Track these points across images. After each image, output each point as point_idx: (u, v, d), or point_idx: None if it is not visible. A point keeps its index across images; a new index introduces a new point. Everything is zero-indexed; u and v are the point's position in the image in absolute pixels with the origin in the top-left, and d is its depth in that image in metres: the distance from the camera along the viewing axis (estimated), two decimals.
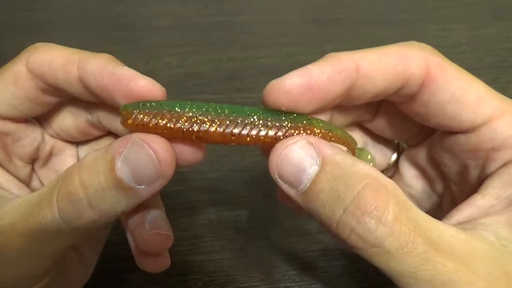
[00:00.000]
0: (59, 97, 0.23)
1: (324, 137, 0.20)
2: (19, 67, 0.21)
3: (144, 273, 0.32)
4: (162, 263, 0.24)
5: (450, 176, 0.22)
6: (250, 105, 0.20)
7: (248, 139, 0.19)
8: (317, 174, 0.18)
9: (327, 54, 0.19)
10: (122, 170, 0.18)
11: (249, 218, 0.36)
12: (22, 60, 0.21)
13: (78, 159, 0.26)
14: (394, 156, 0.25)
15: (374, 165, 0.23)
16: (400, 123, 0.23)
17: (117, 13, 0.62)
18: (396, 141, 0.26)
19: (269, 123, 0.19)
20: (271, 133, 0.19)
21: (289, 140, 0.18)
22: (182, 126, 0.19)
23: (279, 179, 0.18)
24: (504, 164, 0.19)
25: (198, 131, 0.19)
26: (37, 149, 0.24)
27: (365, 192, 0.17)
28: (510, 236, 0.18)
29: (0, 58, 0.24)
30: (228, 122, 0.19)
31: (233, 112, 0.19)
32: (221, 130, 0.19)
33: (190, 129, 0.19)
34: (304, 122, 0.20)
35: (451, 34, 0.57)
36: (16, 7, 0.62)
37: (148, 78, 0.20)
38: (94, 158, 0.18)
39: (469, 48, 0.55)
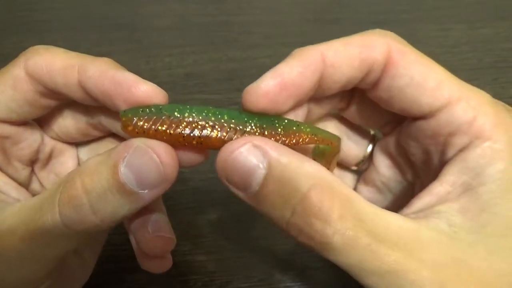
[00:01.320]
0: (59, 100, 0.23)
1: (311, 140, 0.21)
2: (17, 70, 0.21)
3: (144, 274, 0.32)
4: (164, 264, 0.24)
5: (417, 164, 0.23)
6: None
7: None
8: (265, 177, 0.18)
9: (294, 51, 0.20)
10: (125, 175, 0.18)
11: (249, 218, 0.36)
12: (20, 63, 0.21)
13: (78, 161, 0.26)
14: (370, 147, 0.26)
15: (339, 141, 0.23)
16: (372, 111, 0.23)
17: (117, 13, 0.62)
18: (371, 132, 0.26)
19: (265, 131, 0.20)
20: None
21: (235, 143, 0.18)
22: (183, 132, 0.19)
23: (227, 183, 0.19)
24: (460, 150, 0.19)
25: (199, 136, 0.19)
26: (37, 151, 0.24)
27: (310, 194, 0.17)
28: (462, 223, 0.18)
29: (1, 58, 0.24)
30: (228, 129, 0.19)
31: (232, 119, 0.19)
32: (222, 136, 0.19)
33: (191, 134, 0.19)
34: (294, 128, 0.20)
35: (451, 34, 0.57)
36: (16, 7, 0.62)
37: (150, 83, 0.20)
38: (97, 162, 0.18)
39: (469, 48, 0.55)
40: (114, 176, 0.18)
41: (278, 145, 0.19)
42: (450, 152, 0.20)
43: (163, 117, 0.19)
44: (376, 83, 0.21)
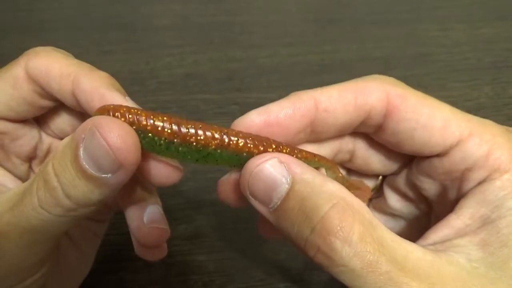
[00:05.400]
0: (56, 101, 0.23)
1: (309, 156, 0.20)
2: (18, 70, 0.21)
3: (144, 274, 0.32)
4: (160, 253, 0.24)
5: (431, 198, 0.23)
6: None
7: (232, 146, 0.19)
8: (287, 193, 0.18)
9: (290, 94, 0.21)
10: (84, 159, 0.17)
11: (249, 218, 0.35)
12: (21, 63, 0.22)
13: None
14: (380, 177, 0.26)
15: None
16: (378, 155, 0.24)
17: (117, 13, 0.62)
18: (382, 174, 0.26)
19: (256, 141, 0.19)
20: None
21: (261, 158, 0.19)
22: (167, 126, 0.18)
23: (250, 196, 0.19)
24: (478, 184, 0.19)
25: (179, 129, 0.18)
26: (35, 148, 0.25)
27: (332, 213, 0.17)
28: (482, 258, 0.18)
29: (0, 58, 0.24)
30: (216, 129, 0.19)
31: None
32: (211, 134, 0.19)
33: (176, 129, 0.18)
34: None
35: (451, 34, 0.57)
36: (16, 7, 0.62)
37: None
38: (64, 144, 0.18)
39: (469, 48, 0.55)
40: (75, 160, 0.17)
41: (302, 163, 0.19)
42: (467, 186, 0.20)
43: (146, 113, 0.18)
44: (380, 128, 0.21)
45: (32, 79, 0.21)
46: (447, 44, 0.55)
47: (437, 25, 0.59)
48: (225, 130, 0.19)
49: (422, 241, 0.20)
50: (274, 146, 0.19)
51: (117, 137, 0.17)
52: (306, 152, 0.21)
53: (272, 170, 0.18)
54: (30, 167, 0.25)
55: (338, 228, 0.17)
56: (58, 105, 0.24)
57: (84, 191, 0.18)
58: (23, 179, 0.24)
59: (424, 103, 0.20)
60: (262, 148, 0.19)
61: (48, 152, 0.26)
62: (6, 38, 0.56)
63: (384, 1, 0.64)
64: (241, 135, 0.19)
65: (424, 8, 0.63)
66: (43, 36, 0.56)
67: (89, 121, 0.17)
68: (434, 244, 0.19)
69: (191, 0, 0.64)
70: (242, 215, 0.36)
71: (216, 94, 0.48)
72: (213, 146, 0.19)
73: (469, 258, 0.18)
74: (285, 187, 0.18)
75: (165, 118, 0.18)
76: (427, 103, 0.20)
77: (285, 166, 0.18)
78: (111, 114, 0.18)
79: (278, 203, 0.18)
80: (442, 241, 0.19)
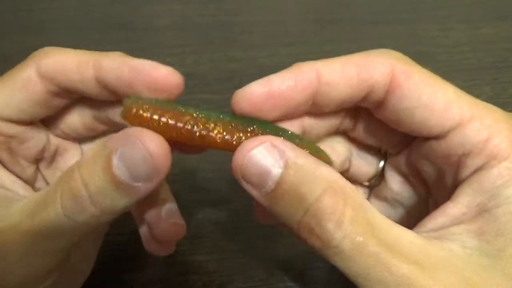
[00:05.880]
0: (69, 99, 0.23)
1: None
2: (29, 72, 0.21)
3: (144, 274, 0.32)
4: (169, 249, 0.25)
5: (430, 182, 0.22)
6: None
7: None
8: (281, 177, 0.18)
9: (293, 65, 0.20)
10: (118, 168, 0.18)
11: (249, 218, 0.35)
12: (31, 65, 0.21)
13: None
14: (381, 163, 0.26)
15: (332, 165, 0.23)
16: (379, 131, 0.23)
17: (117, 13, 0.62)
18: (383, 149, 0.26)
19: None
20: None
21: (253, 142, 0.18)
22: (185, 126, 0.19)
23: (242, 180, 0.19)
24: (475, 171, 0.19)
25: (201, 132, 0.19)
26: (43, 150, 0.24)
27: (324, 196, 0.17)
28: (477, 245, 0.18)
29: (0, 58, 0.24)
30: (230, 127, 0.19)
31: (234, 120, 0.20)
32: (223, 134, 0.19)
33: (193, 129, 0.19)
34: (297, 141, 0.21)
35: (451, 34, 0.57)
36: (16, 7, 0.62)
37: (167, 66, 0.21)
38: (93, 154, 0.19)
39: (469, 48, 0.55)
40: (108, 168, 0.18)
41: (295, 147, 0.19)
42: (464, 173, 0.19)
43: (168, 108, 0.19)
44: (381, 104, 0.21)
45: (46, 78, 0.21)
46: (447, 44, 0.55)
47: (437, 25, 0.59)
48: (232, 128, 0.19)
49: (418, 228, 0.20)
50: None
51: (156, 146, 0.18)
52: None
53: (265, 154, 0.18)
54: (37, 169, 0.25)
55: (330, 211, 0.17)
56: (68, 104, 0.24)
57: (112, 199, 0.18)
58: (30, 181, 0.24)
59: (428, 82, 0.20)
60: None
61: (55, 154, 0.25)
62: (6, 38, 0.56)
63: (384, 1, 0.64)
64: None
65: (424, 8, 0.63)
66: (43, 36, 0.56)
67: (126, 132, 0.18)
68: (429, 232, 0.19)
69: (191, 0, 0.64)
70: (242, 215, 0.36)
71: (216, 94, 0.48)
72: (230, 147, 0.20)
73: (464, 246, 0.18)
74: (278, 171, 0.18)
75: (178, 124, 0.19)
76: (431, 82, 0.20)
77: (277, 150, 0.18)
78: (136, 110, 0.19)
79: (272, 187, 0.18)
80: (438, 229, 0.19)
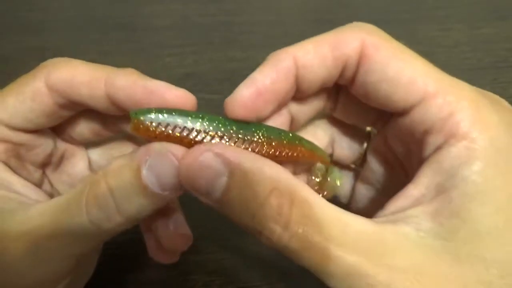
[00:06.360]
0: (77, 110, 0.23)
1: (309, 155, 0.22)
2: (38, 83, 0.21)
3: (144, 274, 0.32)
4: (175, 257, 0.26)
5: (404, 162, 0.22)
6: None
7: None
8: (226, 185, 0.18)
9: (269, 55, 0.20)
10: (147, 177, 0.18)
11: None
12: (40, 76, 0.21)
13: (89, 162, 0.27)
14: (365, 146, 0.25)
15: (328, 162, 0.24)
16: (358, 108, 0.23)
17: (117, 13, 0.62)
18: (367, 131, 0.25)
19: (272, 142, 0.20)
20: (272, 151, 0.20)
21: (196, 151, 0.18)
22: (194, 138, 0.19)
23: (192, 190, 0.19)
24: (436, 150, 0.18)
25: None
26: (50, 155, 0.25)
27: (270, 199, 0.17)
28: (430, 228, 0.17)
29: (0, 58, 0.24)
30: (236, 140, 0.20)
31: (240, 129, 0.20)
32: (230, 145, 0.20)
33: (201, 142, 0.19)
34: (297, 142, 0.21)
35: (451, 34, 0.57)
36: (16, 7, 0.62)
37: (180, 88, 0.21)
38: (120, 165, 0.19)
39: (469, 48, 0.55)
40: (137, 178, 0.18)
41: (240, 151, 0.19)
42: (426, 152, 0.18)
43: (175, 125, 0.19)
44: (352, 79, 0.20)
45: (55, 91, 0.21)
46: (447, 44, 0.55)
47: (437, 25, 0.59)
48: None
49: (380, 212, 0.19)
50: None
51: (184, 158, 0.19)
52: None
53: (208, 163, 0.18)
54: (43, 173, 0.25)
55: (276, 213, 0.17)
56: (75, 113, 0.24)
57: (138, 208, 0.19)
58: (36, 185, 0.24)
59: (397, 55, 0.19)
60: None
61: (62, 158, 0.26)
62: (6, 38, 0.55)
63: (384, 1, 0.64)
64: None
65: (424, 8, 0.63)
66: (43, 36, 0.56)
67: (152, 146, 0.19)
68: (388, 215, 0.19)
69: (191, 0, 0.64)
70: None
71: (216, 94, 0.48)
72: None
73: (418, 228, 0.17)
74: (223, 179, 0.18)
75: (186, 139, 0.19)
76: (400, 56, 0.19)
77: (220, 158, 0.18)
78: (145, 124, 0.19)
79: (219, 195, 0.18)
80: (396, 212, 0.18)
